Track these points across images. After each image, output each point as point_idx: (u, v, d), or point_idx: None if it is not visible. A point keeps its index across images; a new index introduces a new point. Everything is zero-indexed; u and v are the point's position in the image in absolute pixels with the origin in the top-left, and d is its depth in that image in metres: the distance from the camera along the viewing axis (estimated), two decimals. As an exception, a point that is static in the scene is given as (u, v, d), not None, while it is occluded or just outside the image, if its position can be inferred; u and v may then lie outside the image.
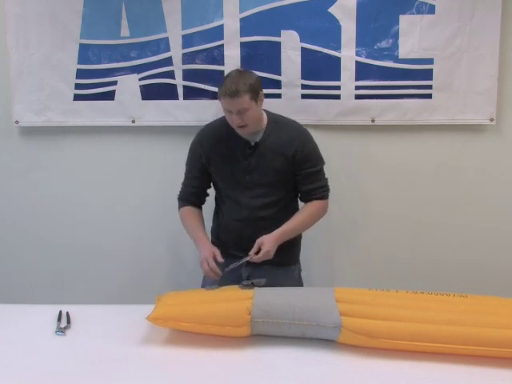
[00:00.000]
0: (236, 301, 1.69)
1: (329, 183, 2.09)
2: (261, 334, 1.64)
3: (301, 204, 2.12)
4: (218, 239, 2.15)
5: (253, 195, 2.03)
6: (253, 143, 2.00)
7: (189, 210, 2.09)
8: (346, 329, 1.57)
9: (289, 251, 2.08)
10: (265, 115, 2.03)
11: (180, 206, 2.12)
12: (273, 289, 1.80)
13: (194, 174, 2.10)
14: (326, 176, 2.08)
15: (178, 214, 2.11)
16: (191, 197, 2.10)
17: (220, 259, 1.92)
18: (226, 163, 2.03)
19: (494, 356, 1.53)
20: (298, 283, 2.15)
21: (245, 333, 1.62)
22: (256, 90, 1.92)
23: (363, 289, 1.80)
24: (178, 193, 2.14)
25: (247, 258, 1.92)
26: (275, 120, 2.03)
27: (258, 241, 1.91)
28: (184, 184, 2.13)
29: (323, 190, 2.05)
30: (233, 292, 1.75)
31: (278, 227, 1.97)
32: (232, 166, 2.03)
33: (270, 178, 2.02)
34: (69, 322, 1.81)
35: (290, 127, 2.05)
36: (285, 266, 2.08)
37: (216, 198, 2.17)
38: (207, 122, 2.16)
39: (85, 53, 2.49)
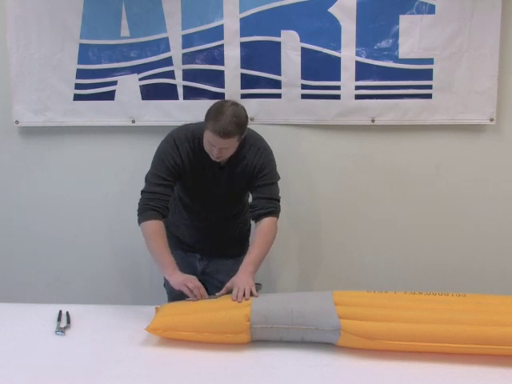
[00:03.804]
0: (234, 308, 1.69)
1: (281, 204, 2.02)
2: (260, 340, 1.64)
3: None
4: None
5: (215, 209, 2.08)
6: (222, 163, 1.99)
7: (158, 228, 1.91)
8: (346, 331, 1.57)
9: (241, 245, 2.20)
10: None
11: (144, 219, 1.92)
12: (271, 294, 1.81)
13: (166, 182, 1.95)
14: (280, 195, 2.03)
15: (142, 227, 1.92)
16: (161, 208, 1.93)
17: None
18: (194, 177, 2.01)
19: (494, 354, 1.54)
20: None
21: (244, 339, 1.63)
22: (243, 131, 1.88)
23: (362, 291, 1.81)
24: (139, 203, 1.95)
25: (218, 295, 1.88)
26: (244, 139, 1.97)
27: (228, 285, 1.84)
28: (150, 191, 1.94)
29: (273, 206, 1.98)
30: (231, 300, 1.75)
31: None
32: (200, 182, 2.02)
33: (234, 196, 2.08)
34: (69, 321, 1.81)
35: (254, 147, 2.01)
36: (236, 257, 2.13)
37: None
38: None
39: (85, 53, 2.49)
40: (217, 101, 1.96)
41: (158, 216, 1.93)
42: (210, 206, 2.09)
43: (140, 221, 1.95)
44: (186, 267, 2.03)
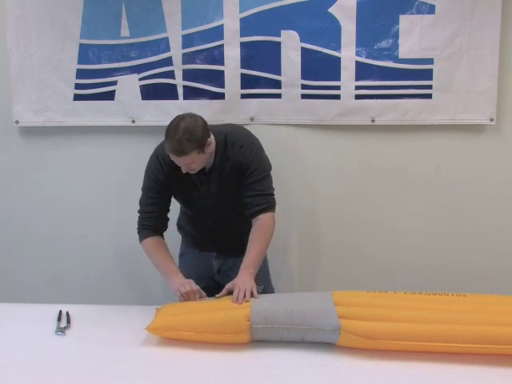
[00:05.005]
0: (234, 308, 1.69)
1: (275, 196, 1.99)
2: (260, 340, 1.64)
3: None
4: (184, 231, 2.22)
5: (215, 213, 2.06)
6: (207, 169, 1.97)
7: (155, 242, 2.00)
8: (346, 331, 1.57)
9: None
10: (213, 141, 1.93)
11: (143, 238, 2.01)
12: (271, 295, 1.81)
13: (155, 200, 2.01)
14: (274, 187, 2.00)
15: (142, 246, 2.02)
16: (155, 225, 2.01)
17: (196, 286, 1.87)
18: (184, 189, 2.01)
19: (494, 354, 1.54)
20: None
21: (244, 339, 1.63)
22: (203, 144, 1.83)
23: (362, 291, 1.81)
24: (137, 222, 2.03)
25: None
26: (225, 139, 1.96)
27: (229, 286, 1.83)
28: (143, 211, 2.03)
29: (268, 201, 1.96)
30: (231, 301, 1.74)
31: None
32: (192, 192, 2.01)
33: (230, 197, 2.02)
34: (69, 321, 1.82)
35: (236, 145, 1.97)
36: None
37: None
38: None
39: (85, 53, 2.49)
40: (176, 115, 1.89)
41: (154, 233, 2.01)
42: (209, 211, 2.06)
43: (140, 240, 2.03)
44: (201, 265, 2.05)
